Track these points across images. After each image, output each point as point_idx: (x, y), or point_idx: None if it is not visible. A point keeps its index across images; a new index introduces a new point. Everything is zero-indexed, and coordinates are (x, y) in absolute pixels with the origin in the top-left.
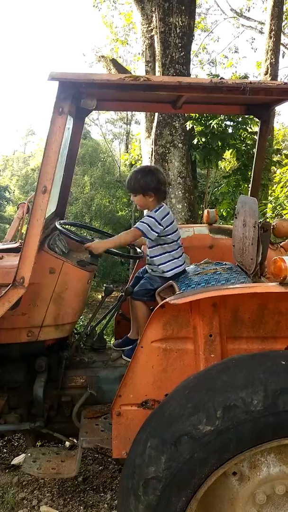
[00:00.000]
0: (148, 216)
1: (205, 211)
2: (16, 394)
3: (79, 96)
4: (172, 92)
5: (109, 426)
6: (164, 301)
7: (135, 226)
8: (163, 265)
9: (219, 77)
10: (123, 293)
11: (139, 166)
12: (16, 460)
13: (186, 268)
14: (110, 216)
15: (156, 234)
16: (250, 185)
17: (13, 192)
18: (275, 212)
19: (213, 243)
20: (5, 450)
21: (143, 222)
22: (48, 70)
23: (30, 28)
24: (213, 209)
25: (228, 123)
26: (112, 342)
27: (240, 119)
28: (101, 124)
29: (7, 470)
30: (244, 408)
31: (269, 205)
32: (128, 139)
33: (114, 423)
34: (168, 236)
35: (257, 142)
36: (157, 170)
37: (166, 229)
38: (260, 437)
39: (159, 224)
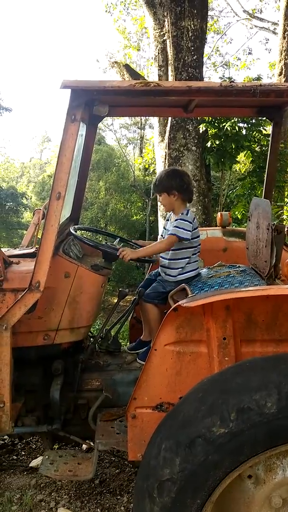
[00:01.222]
0: (179, 219)
1: (218, 214)
2: (33, 397)
3: (91, 103)
4: (182, 96)
5: (125, 428)
6: (177, 304)
7: (168, 233)
8: (177, 269)
9: (230, 80)
10: (137, 297)
11: (166, 168)
12: (34, 462)
13: (200, 271)
14: (125, 220)
15: (190, 234)
16: (263, 187)
17: (30, 199)
18: None
19: (227, 246)
20: (23, 453)
21: (175, 227)
22: (63, 77)
23: (45, 36)
24: (226, 212)
25: (241, 125)
26: (127, 345)
27: (253, 120)
28: (115, 130)
29: (25, 472)
30: (258, 411)
31: (286, 207)
32: (142, 144)
33: (130, 426)
34: (194, 239)
35: (270, 144)
36: (181, 171)
37: (193, 231)
38: (275, 440)
39: (191, 223)
